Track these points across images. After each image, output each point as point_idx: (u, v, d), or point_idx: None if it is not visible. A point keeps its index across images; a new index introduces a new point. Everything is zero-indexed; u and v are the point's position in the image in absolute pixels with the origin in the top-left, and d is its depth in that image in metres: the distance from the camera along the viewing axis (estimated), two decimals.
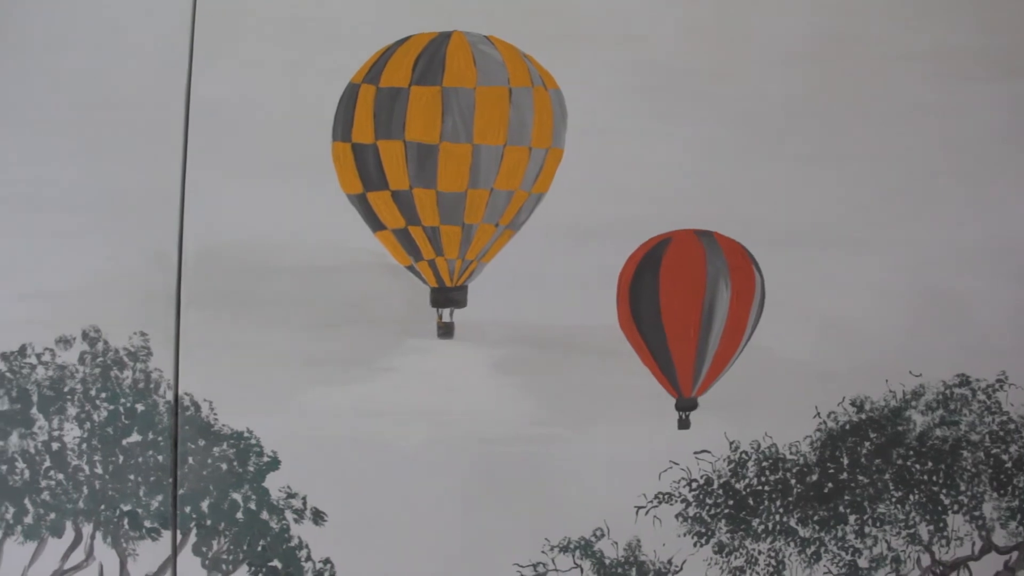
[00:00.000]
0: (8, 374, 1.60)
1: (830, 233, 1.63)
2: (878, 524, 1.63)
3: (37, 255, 1.60)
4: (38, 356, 1.60)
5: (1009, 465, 1.62)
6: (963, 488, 1.63)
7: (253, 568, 1.60)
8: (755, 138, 1.64)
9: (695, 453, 1.63)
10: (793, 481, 1.63)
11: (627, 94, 1.62)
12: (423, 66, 1.52)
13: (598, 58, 1.62)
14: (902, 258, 1.64)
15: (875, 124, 1.65)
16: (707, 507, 1.62)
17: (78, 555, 1.59)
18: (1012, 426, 1.63)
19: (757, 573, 1.62)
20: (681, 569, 1.62)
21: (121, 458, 1.61)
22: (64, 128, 1.62)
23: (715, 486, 1.63)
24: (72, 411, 1.61)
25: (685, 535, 1.62)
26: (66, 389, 1.61)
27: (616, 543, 1.61)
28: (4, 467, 1.60)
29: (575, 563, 1.60)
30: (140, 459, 1.60)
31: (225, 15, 1.60)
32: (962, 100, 1.67)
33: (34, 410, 1.60)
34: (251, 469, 1.61)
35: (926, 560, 1.63)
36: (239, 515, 1.61)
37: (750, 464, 1.63)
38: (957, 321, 1.62)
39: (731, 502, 1.62)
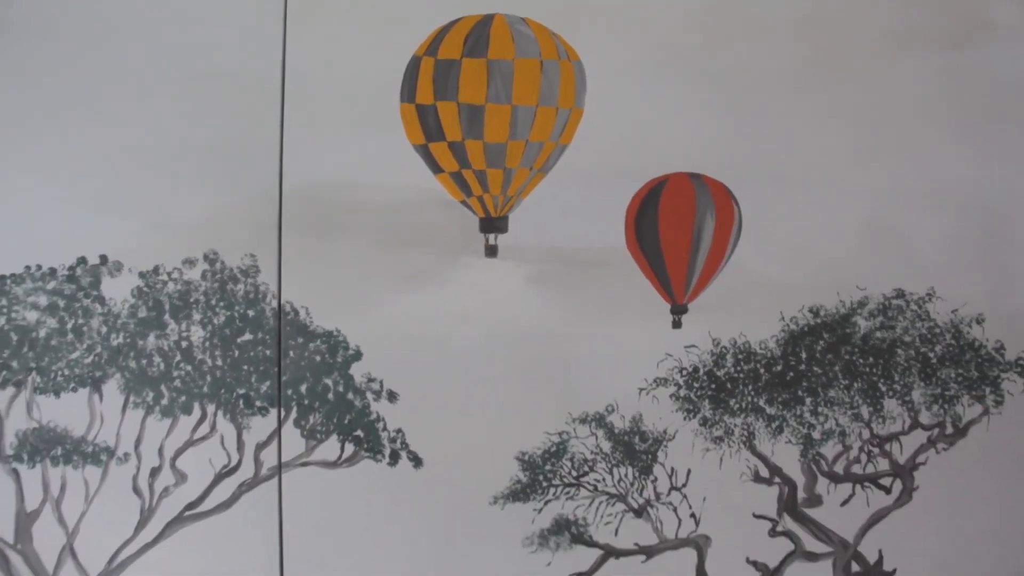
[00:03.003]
0: (145, 288, 1.83)
1: (796, 176, 1.87)
2: (829, 405, 1.87)
3: (165, 193, 1.82)
4: (168, 274, 1.83)
5: (934, 361, 1.88)
6: (897, 378, 1.88)
7: (341, 437, 1.83)
8: (737, 101, 1.87)
9: (685, 347, 1.85)
10: (762, 370, 1.86)
11: (635, 65, 1.85)
12: (472, 42, 1.78)
13: (613, 35, 1.85)
14: (853, 195, 1.88)
15: (837, 88, 1.89)
16: (694, 389, 1.85)
17: (204, 428, 1.83)
18: (937, 330, 1.88)
19: (733, 441, 1.86)
20: (674, 438, 1.85)
21: (236, 353, 1.83)
22: (186, 93, 1.83)
23: (700, 373, 1.85)
24: (196, 317, 1.83)
25: (677, 411, 1.85)
26: (191, 300, 1.83)
27: (623, 416, 1.85)
28: (144, 361, 1.82)
29: (591, 432, 1.84)
30: (251, 353, 1.83)
31: (312, 6, 1.83)
32: (908, 68, 1.91)
33: (166, 316, 1.83)
34: (339, 360, 1.83)
35: (866, 434, 1.87)
36: (330, 396, 1.83)
37: (728, 356, 1.86)
38: (895, 246, 1.88)
39: (713, 386, 1.85)
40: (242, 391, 1.83)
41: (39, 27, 1.82)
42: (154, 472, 1.82)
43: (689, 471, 1.84)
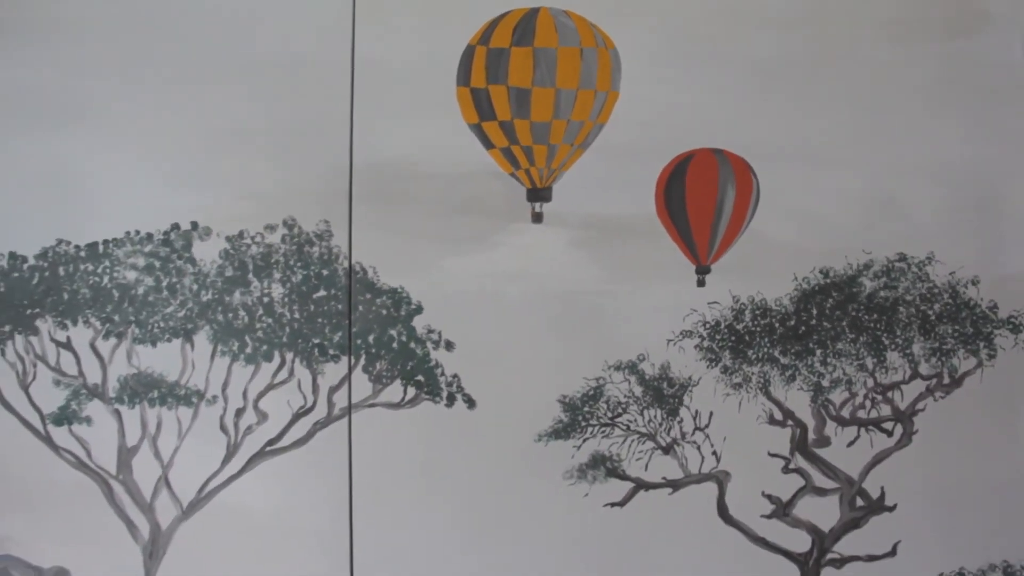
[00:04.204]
0: (231, 251, 1.92)
1: (808, 151, 1.94)
2: (837, 356, 1.94)
3: (249, 168, 1.91)
4: (252, 238, 1.92)
5: (933, 318, 1.95)
6: (898, 333, 1.95)
7: (404, 381, 1.92)
8: (756, 85, 1.94)
9: (708, 303, 1.94)
10: (777, 324, 1.94)
11: (665, 53, 1.93)
12: (520, 32, 1.86)
13: (645, 27, 1.93)
14: (859, 169, 1.95)
15: (845, 73, 1.96)
16: (716, 341, 1.93)
17: (283, 374, 1.92)
18: (936, 291, 1.95)
19: (750, 388, 1.93)
20: (698, 384, 1.94)
21: (312, 307, 1.92)
22: (267, 80, 1.91)
23: (722, 327, 1.94)
24: (277, 276, 1.92)
25: (700, 360, 1.94)
26: (272, 260, 1.91)
27: (653, 364, 1.93)
28: (230, 315, 1.91)
29: (625, 378, 1.93)
30: (325, 308, 1.92)
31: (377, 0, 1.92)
32: (909, 55, 1.97)
33: (250, 275, 1.92)
34: (403, 313, 1.92)
35: (870, 383, 1.95)
36: (394, 345, 1.92)
37: (747, 312, 1.94)
38: (898, 215, 1.96)
39: (733, 338, 1.94)
40: (317, 341, 1.92)
41: (142, 25, 1.93)
42: (239, 412, 1.91)
43: (711, 413, 1.94)
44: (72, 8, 1.93)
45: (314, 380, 1.92)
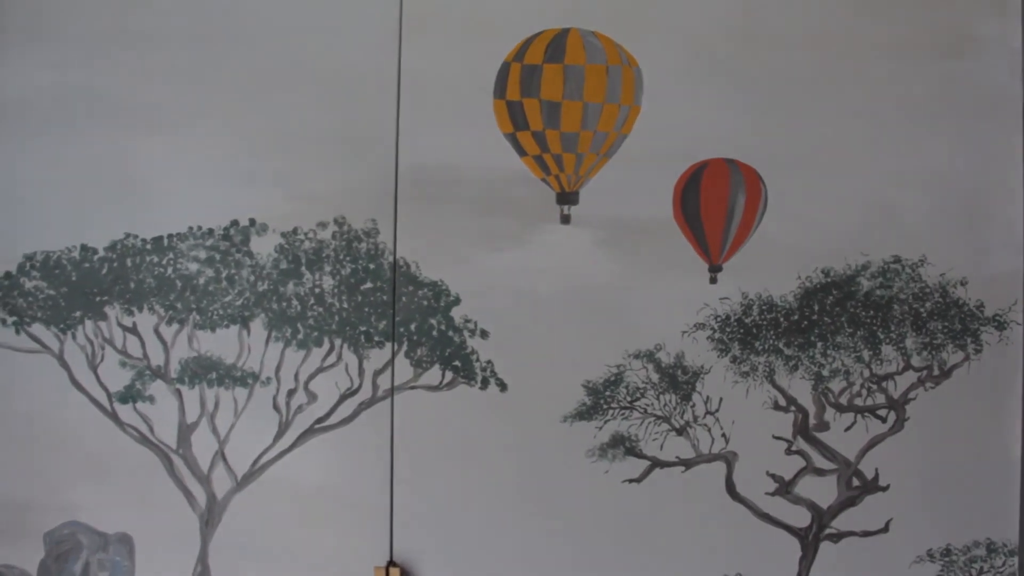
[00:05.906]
0: (286, 245, 1.96)
1: (812, 162, 1.97)
2: (836, 348, 1.97)
3: (303, 169, 1.97)
4: (305, 234, 1.96)
5: (924, 315, 1.98)
6: (892, 328, 1.97)
7: (442, 366, 1.96)
8: (766, 99, 1.96)
9: (720, 299, 1.98)
10: (782, 319, 1.97)
11: (683, 70, 1.97)
12: (551, 50, 1.91)
13: (665, 46, 1.97)
14: (859, 179, 1.97)
15: (845, 89, 1.96)
16: (726, 333, 1.96)
17: (332, 358, 1.97)
18: (928, 290, 1.98)
19: (757, 376, 1.97)
20: (709, 371, 1.97)
21: (359, 298, 1.96)
22: (321, 89, 1.95)
23: (732, 320, 1.97)
24: (327, 269, 1.96)
25: (712, 350, 1.97)
26: (323, 255, 1.96)
27: (669, 353, 1.98)
28: (284, 304, 1.96)
29: (643, 366, 1.97)
30: (372, 298, 1.96)
31: (422, 19, 1.96)
32: (906, 74, 1.97)
33: (303, 268, 1.96)
34: (442, 304, 1.96)
35: (866, 373, 1.97)
36: (434, 333, 1.96)
37: (754, 307, 1.97)
38: (893, 220, 1.98)
39: (741, 331, 1.97)
40: (363, 328, 1.96)
41: (208, 38, 1.99)
42: (290, 393, 1.97)
43: (721, 399, 1.98)
44: (142, 21, 1.99)
45: (360, 364, 1.97)
